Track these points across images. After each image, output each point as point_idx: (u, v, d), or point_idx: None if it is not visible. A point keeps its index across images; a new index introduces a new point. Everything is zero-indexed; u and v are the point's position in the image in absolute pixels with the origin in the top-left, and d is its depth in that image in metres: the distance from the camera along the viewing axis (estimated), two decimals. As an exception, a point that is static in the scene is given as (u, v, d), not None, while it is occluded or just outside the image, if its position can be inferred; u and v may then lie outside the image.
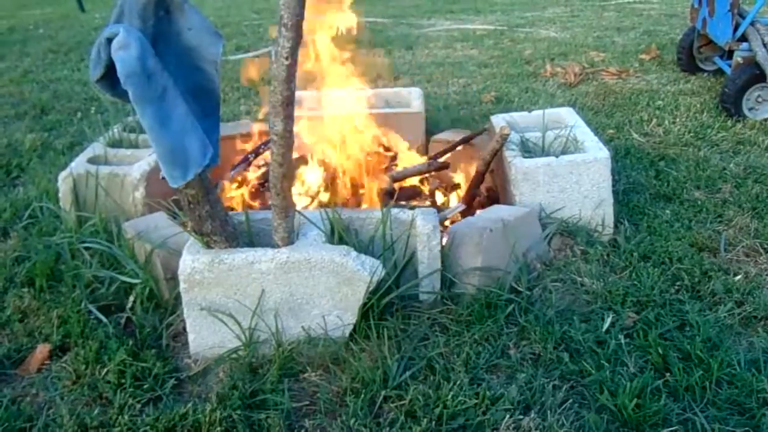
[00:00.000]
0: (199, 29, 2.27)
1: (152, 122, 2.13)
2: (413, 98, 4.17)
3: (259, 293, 2.42)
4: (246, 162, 3.58)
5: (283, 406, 2.22)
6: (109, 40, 2.07)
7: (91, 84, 5.61)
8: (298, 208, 2.64)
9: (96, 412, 2.22)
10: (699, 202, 3.47)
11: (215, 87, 2.36)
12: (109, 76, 2.13)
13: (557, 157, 3.12)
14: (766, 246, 3.06)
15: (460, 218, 3.10)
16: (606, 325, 2.53)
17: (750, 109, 4.59)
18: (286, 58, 2.11)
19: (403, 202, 3.20)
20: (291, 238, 2.45)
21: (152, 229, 2.82)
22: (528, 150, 3.32)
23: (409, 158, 3.59)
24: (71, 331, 2.59)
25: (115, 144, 3.56)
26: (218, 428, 2.13)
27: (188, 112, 2.19)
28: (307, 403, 2.27)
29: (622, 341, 2.44)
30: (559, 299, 2.70)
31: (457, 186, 3.68)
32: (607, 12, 8.83)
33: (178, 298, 2.53)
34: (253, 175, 3.52)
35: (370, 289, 2.43)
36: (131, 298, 2.73)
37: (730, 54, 4.88)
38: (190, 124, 2.19)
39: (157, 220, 2.91)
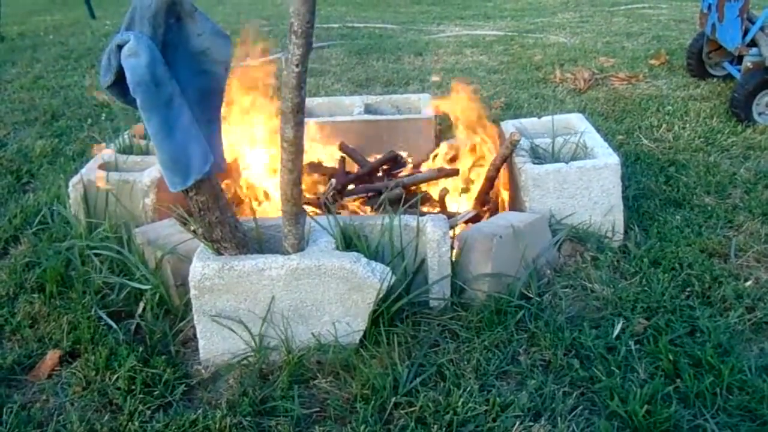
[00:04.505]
0: (210, 34, 2.28)
1: (157, 129, 2.15)
2: (423, 104, 4.17)
3: (269, 300, 2.42)
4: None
5: (293, 413, 2.22)
6: (120, 47, 2.09)
7: (100, 90, 5.64)
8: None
9: (106, 418, 2.23)
10: (709, 208, 3.46)
11: (221, 88, 2.37)
12: (120, 83, 2.14)
13: (567, 163, 3.12)
14: (777, 252, 3.05)
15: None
16: (616, 332, 2.52)
17: (760, 114, 4.57)
18: (297, 66, 2.12)
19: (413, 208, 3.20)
20: (301, 244, 2.45)
21: (162, 235, 2.83)
22: (538, 156, 3.31)
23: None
24: (81, 337, 2.60)
25: (126, 150, 3.57)
26: (228, 434, 2.14)
27: (192, 120, 2.20)
28: (317, 409, 2.27)
29: (633, 347, 2.44)
30: (569, 305, 2.69)
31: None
32: (616, 17, 8.82)
33: (188, 304, 2.54)
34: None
35: (380, 295, 2.43)
36: (141, 305, 2.73)
37: (739, 59, 4.86)
38: (194, 132, 2.21)
39: (167, 226, 2.92)
